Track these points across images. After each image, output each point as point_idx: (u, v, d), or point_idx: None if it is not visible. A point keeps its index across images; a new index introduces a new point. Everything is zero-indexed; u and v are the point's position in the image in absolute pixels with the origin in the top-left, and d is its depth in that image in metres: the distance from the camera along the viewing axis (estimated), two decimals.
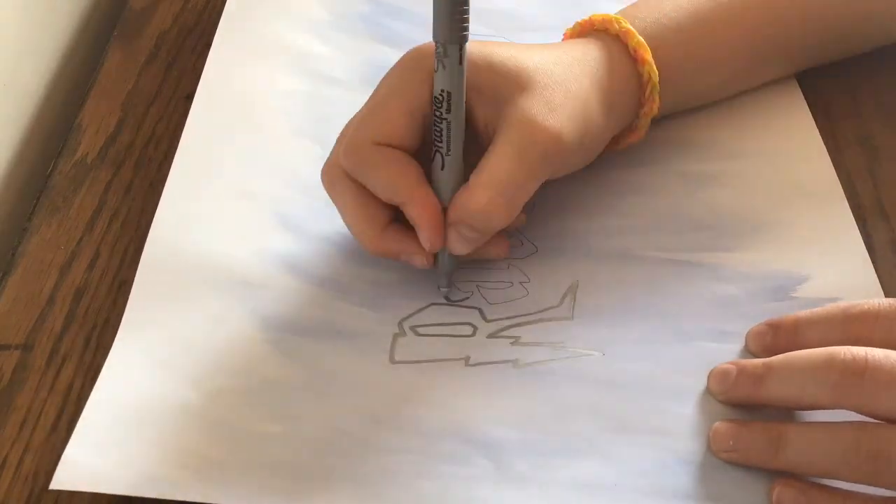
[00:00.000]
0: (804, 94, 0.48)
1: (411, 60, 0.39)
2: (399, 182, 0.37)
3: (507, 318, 0.40)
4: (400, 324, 0.40)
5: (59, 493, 0.35)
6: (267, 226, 0.43)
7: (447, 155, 0.38)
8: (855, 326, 0.35)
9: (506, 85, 0.38)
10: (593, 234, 0.43)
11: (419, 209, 0.37)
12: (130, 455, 0.35)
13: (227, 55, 0.52)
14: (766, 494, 0.34)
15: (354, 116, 0.40)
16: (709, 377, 0.37)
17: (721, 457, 0.35)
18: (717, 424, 0.35)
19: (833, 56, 0.49)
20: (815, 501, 0.33)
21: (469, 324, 0.40)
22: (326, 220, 0.43)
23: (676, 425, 0.36)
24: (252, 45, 0.52)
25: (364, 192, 0.38)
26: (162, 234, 0.43)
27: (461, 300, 0.41)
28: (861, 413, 0.32)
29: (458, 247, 0.38)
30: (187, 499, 0.34)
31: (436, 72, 0.37)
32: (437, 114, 0.37)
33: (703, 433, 0.36)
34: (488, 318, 0.40)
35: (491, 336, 0.39)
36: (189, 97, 0.51)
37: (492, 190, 0.37)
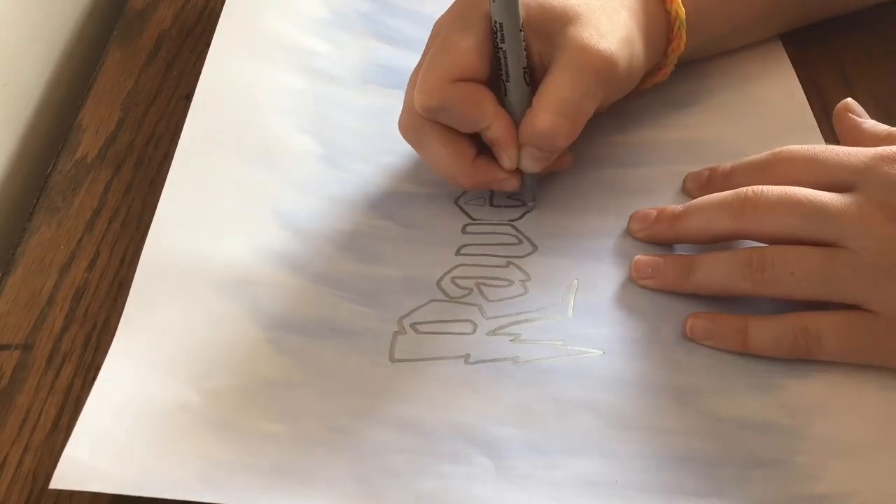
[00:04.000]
0: (806, 95, 0.48)
1: (468, 0, 0.42)
2: (478, 109, 0.40)
3: (507, 315, 0.40)
4: (400, 321, 0.40)
5: (59, 493, 0.35)
6: (267, 224, 0.43)
7: (508, 82, 0.41)
8: (776, 169, 0.40)
9: (555, 19, 0.41)
10: (593, 234, 0.43)
11: (499, 129, 0.40)
12: (130, 454, 0.35)
13: (227, 54, 0.52)
14: (766, 493, 0.34)
15: (419, 65, 0.42)
16: (630, 219, 0.42)
17: (641, 284, 0.40)
18: (637, 256, 0.41)
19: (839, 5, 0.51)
20: (720, 323, 0.38)
21: (469, 321, 0.40)
22: (326, 219, 0.43)
23: (676, 423, 0.36)
24: (252, 44, 0.52)
25: (448, 131, 0.41)
26: (162, 233, 0.43)
27: (461, 297, 0.41)
28: (757, 238, 0.39)
29: (530, 165, 0.41)
30: (187, 498, 0.34)
31: (491, 4, 0.39)
32: (496, 44, 0.40)
33: (702, 431, 0.36)
34: (488, 315, 0.40)
35: (491, 333, 0.39)
36: (189, 97, 0.51)
37: (553, 111, 0.40)
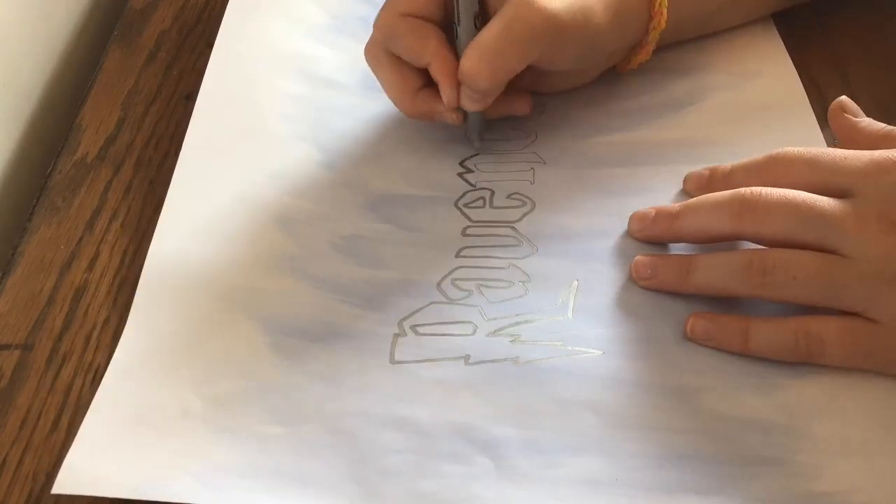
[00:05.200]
0: (808, 96, 0.48)
1: None
2: (423, 45, 0.43)
3: (507, 316, 0.40)
4: (400, 323, 0.40)
5: (60, 494, 0.35)
6: (267, 229, 0.43)
7: (458, 24, 0.43)
8: (775, 171, 0.40)
9: None
10: (593, 235, 0.43)
11: (438, 67, 0.43)
12: (132, 459, 0.35)
13: (228, 60, 0.52)
14: (767, 491, 0.34)
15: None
16: (629, 219, 0.42)
17: (640, 284, 0.40)
18: (637, 257, 0.41)
19: None
20: (721, 324, 0.38)
21: (469, 322, 0.40)
22: (326, 222, 0.43)
23: (677, 422, 0.36)
24: (252, 50, 0.52)
25: (398, 62, 0.44)
26: (164, 239, 0.43)
27: (461, 299, 0.41)
28: (755, 240, 0.39)
29: (466, 103, 0.44)
30: (189, 501, 0.34)
31: None
32: None
33: (703, 430, 0.36)
34: (488, 316, 0.40)
35: (491, 335, 0.39)
36: (189, 97, 0.51)
37: (477, 53, 0.41)
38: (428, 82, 0.45)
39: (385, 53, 0.45)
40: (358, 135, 0.48)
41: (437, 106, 0.45)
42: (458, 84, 0.43)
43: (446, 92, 0.43)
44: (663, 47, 0.49)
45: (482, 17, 0.43)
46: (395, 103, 0.46)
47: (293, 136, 0.48)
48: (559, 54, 0.44)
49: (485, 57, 0.41)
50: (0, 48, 0.51)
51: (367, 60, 0.46)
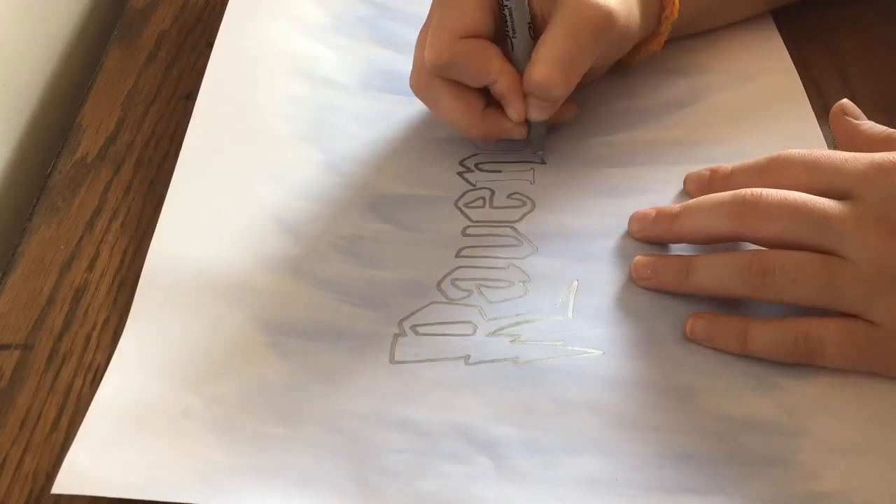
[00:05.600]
0: (808, 96, 0.48)
1: None
2: (486, 64, 0.42)
3: (507, 316, 0.40)
4: (400, 323, 0.40)
5: (60, 494, 0.35)
6: (268, 230, 0.43)
7: (514, 37, 0.43)
8: (775, 173, 0.40)
9: None
10: (593, 235, 0.43)
11: (505, 83, 0.43)
12: (132, 459, 0.35)
13: (228, 61, 0.52)
14: (767, 491, 0.34)
15: (425, 24, 0.44)
16: (629, 219, 0.42)
17: (640, 284, 0.40)
18: (637, 257, 0.41)
19: None
20: (720, 324, 0.38)
21: (469, 322, 0.40)
22: (327, 223, 0.43)
23: (677, 422, 0.36)
24: (252, 51, 0.52)
25: (457, 86, 0.43)
26: (164, 240, 0.43)
27: (461, 299, 0.41)
28: (755, 241, 0.39)
29: (535, 115, 0.44)
30: (189, 501, 0.34)
31: None
32: (500, 1, 0.42)
33: (703, 430, 0.36)
34: (488, 316, 0.40)
35: (491, 335, 0.39)
36: (189, 97, 0.51)
37: (548, 63, 0.41)
38: (489, 100, 0.44)
39: (440, 81, 0.43)
40: (358, 135, 0.48)
41: (506, 123, 0.44)
42: (524, 98, 0.43)
43: (515, 106, 0.43)
44: (668, 42, 0.49)
45: (532, 25, 0.43)
46: (462, 129, 0.44)
47: (293, 136, 0.48)
48: (611, 49, 0.44)
49: (557, 63, 0.41)
50: (0, 48, 0.51)
51: (418, 91, 0.45)
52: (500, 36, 0.43)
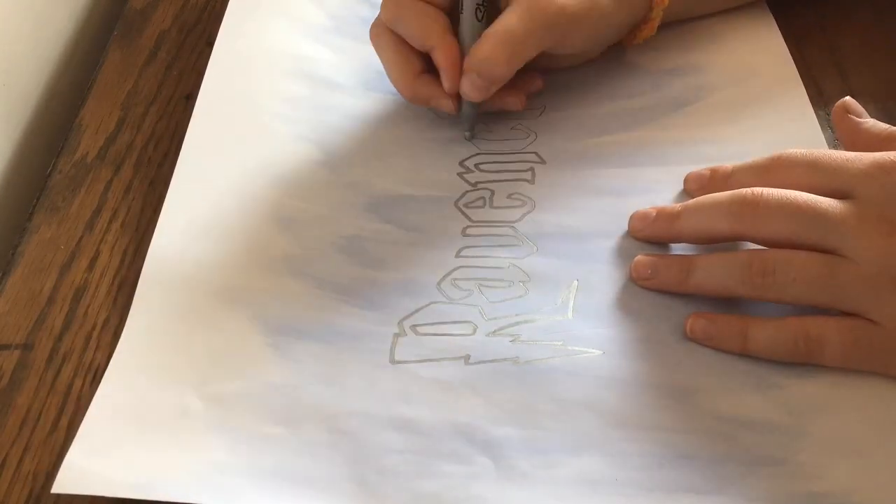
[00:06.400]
0: (808, 95, 0.48)
1: None
2: (428, 30, 0.44)
3: (507, 316, 0.40)
4: (400, 323, 0.40)
5: (60, 493, 0.35)
6: (268, 230, 0.43)
7: (461, 13, 0.45)
8: (776, 173, 0.40)
9: None
10: (593, 235, 0.43)
11: (443, 53, 0.44)
12: (132, 459, 0.35)
13: (228, 61, 0.52)
14: (767, 491, 0.34)
15: None
16: (630, 218, 0.42)
17: (640, 284, 0.40)
18: (637, 257, 0.41)
19: None
20: (720, 324, 0.38)
21: (469, 322, 0.40)
22: (327, 224, 0.43)
23: (677, 422, 0.36)
24: (253, 51, 0.52)
25: (401, 43, 0.45)
26: (164, 239, 0.43)
27: (461, 299, 0.41)
28: (755, 240, 0.39)
29: (470, 92, 0.44)
30: (188, 501, 0.34)
31: None
32: None
33: (703, 430, 0.36)
34: (488, 316, 0.40)
35: (491, 334, 0.39)
36: (189, 97, 0.51)
37: (495, 41, 0.43)
38: (429, 67, 0.46)
39: (389, 34, 0.45)
40: (358, 135, 0.48)
41: (437, 91, 0.45)
42: (459, 72, 0.44)
43: (448, 78, 0.44)
44: (668, 42, 0.49)
45: (486, 8, 0.44)
46: (395, 84, 0.46)
47: (293, 136, 0.48)
48: (569, 39, 0.45)
49: (503, 41, 0.43)
50: (0, 48, 0.51)
51: (371, 39, 0.47)
52: (455, 11, 0.45)
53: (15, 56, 0.52)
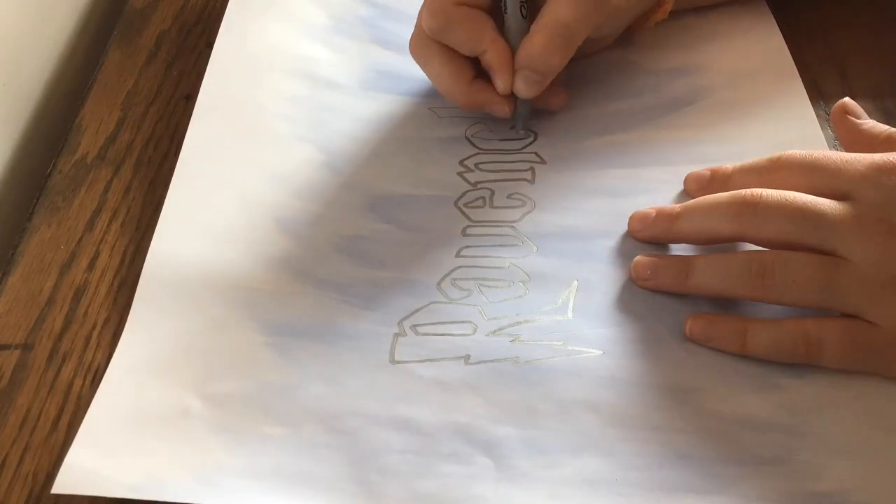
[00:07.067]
0: (808, 95, 0.48)
1: None
2: (477, 34, 0.44)
3: (507, 316, 0.40)
4: (400, 323, 0.40)
5: (59, 494, 0.35)
6: (268, 230, 0.43)
7: (505, 13, 0.45)
8: (776, 174, 0.40)
9: None
10: (593, 235, 0.43)
11: (494, 54, 0.44)
12: (132, 459, 0.35)
13: (228, 62, 0.52)
14: (767, 491, 0.34)
15: None
16: (630, 219, 0.42)
17: (640, 285, 0.40)
18: (637, 258, 0.41)
19: None
20: (719, 325, 0.38)
21: (469, 322, 0.40)
22: (327, 224, 0.43)
23: (677, 422, 0.36)
24: (252, 51, 0.52)
25: (449, 52, 0.45)
26: (164, 240, 0.43)
27: (461, 299, 0.41)
28: (755, 241, 0.39)
29: (524, 89, 0.45)
30: (188, 501, 0.34)
31: None
32: None
33: (703, 430, 0.36)
34: (488, 316, 0.40)
35: (491, 334, 0.39)
36: (189, 97, 0.51)
37: (548, 33, 0.43)
38: (481, 74, 0.46)
39: (435, 44, 0.45)
40: (358, 135, 0.48)
41: (492, 96, 0.45)
42: (512, 72, 0.44)
43: (503, 79, 0.44)
44: (668, 42, 0.49)
45: (528, 5, 0.45)
46: (448, 94, 0.46)
47: (293, 137, 0.48)
48: (610, 18, 0.46)
49: (556, 32, 0.43)
50: (0, 48, 0.51)
51: (413, 52, 0.46)
52: (496, 11, 0.45)
53: (15, 56, 0.52)
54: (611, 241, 0.42)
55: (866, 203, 0.36)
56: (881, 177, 0.37)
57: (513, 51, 0.45)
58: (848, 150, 0.41)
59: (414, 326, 0.39)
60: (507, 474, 0.35)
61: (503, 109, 0.46)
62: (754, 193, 0.38)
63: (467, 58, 0.45)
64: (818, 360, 0.37)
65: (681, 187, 0.44)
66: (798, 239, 0.37)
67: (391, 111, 0.49)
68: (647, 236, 0.42)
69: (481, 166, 0.46)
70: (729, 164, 0.43)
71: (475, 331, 0.39)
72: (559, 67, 0.44)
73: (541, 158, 0.46)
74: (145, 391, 0.37)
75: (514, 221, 0.44)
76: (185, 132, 0.48)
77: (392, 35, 0.54)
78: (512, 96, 0.46)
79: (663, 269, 0.40)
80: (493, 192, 0.45)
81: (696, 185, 0.43)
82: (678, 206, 0.41)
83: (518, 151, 0.47)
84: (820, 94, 0.49)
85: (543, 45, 0.43)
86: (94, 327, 0.41)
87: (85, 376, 0.39)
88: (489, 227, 0.43)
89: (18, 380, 0.39)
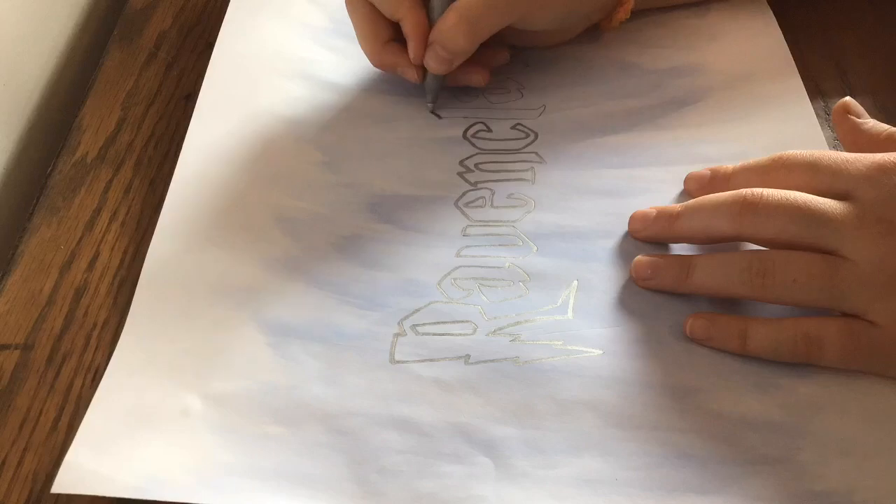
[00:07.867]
0: (808, 95, 0.48)
1: None
2: (398, 1, 0.46)
3: (507, 316, 0.40)
4: (400, 323, 0.40)
5: (59, 493, 0.35)
6: (268, 231, 0.43)
7: None
8: (776, 173, 0.40)
9: None
10: (593, 234, 0.43)
11: (410, 24, 0.46)
12: (132, 459, 0.35)
13: (229, 62, 0.52)
14: (768, 490, 0.34)
15: None
16: (630, 218, 0.43)
17: (640, 285, 0.40)
18: (637, 257, 0.41)
19: None
20: (720, 324, 0.38)
21: (469, 322, 0.40)
22: (327, 224, 0.43)
23: (677, 421, 0.36)
24: (253, 52, 0.52)
25: (373, 11, 0.47)
26: (164, 239, 0.43)
27: (461, 299, 0.41)
28: (755, 241, 0.39)
29: (434, 64, 0.46)
30: (188, 501, 0.34)
31: None
32: None
33: (703, 429, 0.36)
34: (488, 316, 0.40)
35: (491, 334, 0.39)
36: (189, 97, 0.51)
37: (458, 14, 0.44)
38: (398, 37, 0.47)
39: (362, 1, 0.47)
40: (358, 135, 0.48)
41: (402, 60, 0.47)
42: (425, 43, 0.46)
43: (413, 48, 0.46)
44: (668, 41, 0.49)
45: None
46: (363, 49, 0.48)
47: (293, 137, 0.48)
48: (537, 17, 0.47)
49: (466, 16, 0.44)
50: (0, 48, 0.51)
51: (346, 5, 0.48)
52: None
53: (15, 56, 0.52)
54: (611, 241, 0.42)
55: (867, 202, 0.36)
56: (882, 176, 0.37)
57: (431, 25, 0.46)
58: (849, 149, 0.41)
59: (414, 326, 0.39)
60: (507, 474, 0.35)
61: (412, 75, 0.47)
62: (755, 193, 0.38)
63: (389, 21, 0.47)
64: (818, 360, 0.37)
65: (681, 187, 0.44)
66: (799, 238, 0.37)
67: (391, 111, 0.49)
68: (648, 236, 0.42)
69: (481, 166, 0.46)
70: (729, 164, 0.43)
71: (475, 331, 0.39)
72: (466, 50, 0.45)
73: (541, 158, 0.46)
74: (145, 391, 0.37)
75: (514, 221, 0.44)
76: (185, 132, 0.48)
77: None
78: (422, 66, 0.47)
79: (664, 268, 0.40)
80: (493, 192, 0.45)
81: (696, 185, 0.43)
82: (678, 205, 0.41)
83: (518, 151, 0.47)
84: (820, 94, 0.49)
85: (452, 25, 0.44)
86: (94, 327, 0.41)
87: (85, 376, 0.39)
88: (489, 227, 0.43)
89: (18, 380, 0.39)
